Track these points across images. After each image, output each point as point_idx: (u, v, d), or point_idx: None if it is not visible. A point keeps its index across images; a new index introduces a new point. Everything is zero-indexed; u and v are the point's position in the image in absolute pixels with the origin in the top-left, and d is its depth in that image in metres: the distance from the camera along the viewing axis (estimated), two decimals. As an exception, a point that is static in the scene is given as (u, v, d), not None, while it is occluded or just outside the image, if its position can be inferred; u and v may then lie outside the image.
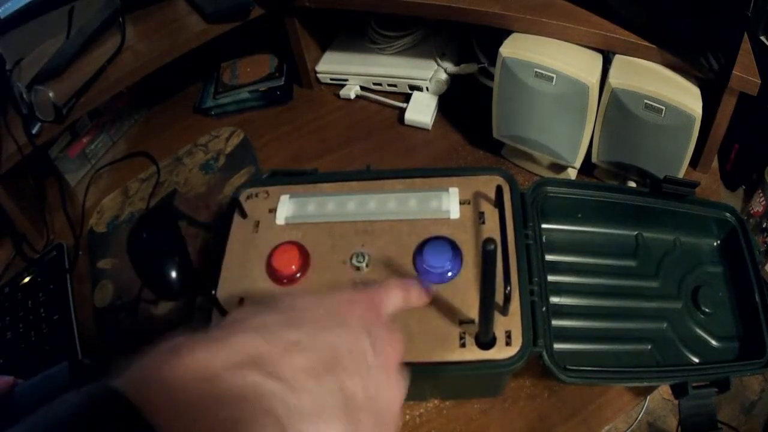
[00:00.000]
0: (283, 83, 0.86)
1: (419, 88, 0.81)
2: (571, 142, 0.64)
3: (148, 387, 0.24)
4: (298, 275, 0.49)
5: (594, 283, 0.57)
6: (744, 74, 0.56)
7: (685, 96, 0.57)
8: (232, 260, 0.51)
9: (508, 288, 0.43)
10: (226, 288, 0.49)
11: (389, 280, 0.41)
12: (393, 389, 0.33)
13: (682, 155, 0.60)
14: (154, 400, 0.24)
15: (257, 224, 0.53)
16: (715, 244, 0.59)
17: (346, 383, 0.29)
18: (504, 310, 0.45)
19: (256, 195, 0.56)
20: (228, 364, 0.27)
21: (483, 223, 0.50)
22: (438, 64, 0.80)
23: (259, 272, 0.50)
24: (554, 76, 0.59)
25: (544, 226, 0.57)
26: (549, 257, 0.56)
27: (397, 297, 0.38)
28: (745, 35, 0.57)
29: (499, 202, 0.51)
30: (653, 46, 0.59)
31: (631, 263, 0.58)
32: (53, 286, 0.68)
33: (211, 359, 0.26)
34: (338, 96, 0.86)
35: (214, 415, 0.24)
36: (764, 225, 0.97)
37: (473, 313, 0.45)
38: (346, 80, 0.86)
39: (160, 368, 0.25)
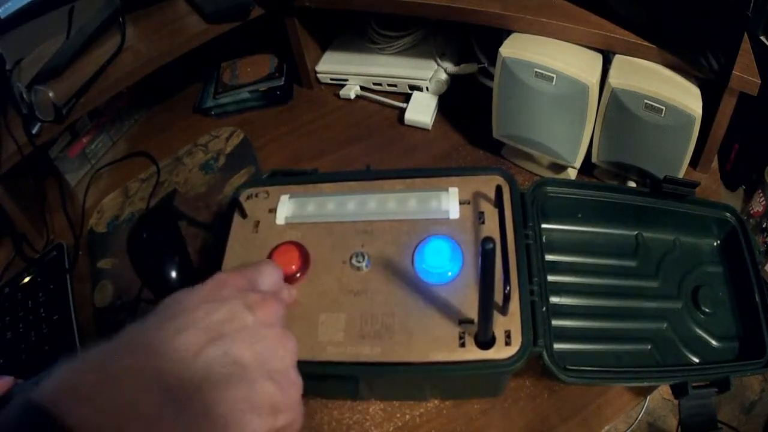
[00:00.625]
0: (283, 83, 0.86)
1: (419, 88, 0.81)
2: (571, 142, 0.64)
3: (55, 389, 0.27)
4: (298, 275, 0.49)
5: (594, 283, 0.57)
6: (744, 74, 0.56)
7: (685, 96, 0.57)
8: (232, 260, 0.51)
9: (508, 288, 0.43)
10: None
11: (263, 261, 0.44)
12: (280, 344, 0.35)
13: (682, 155, 0.60)
14: (57, 397, 0.26)
15: (257, 224, 0.53)
16: (715, 244, 0.59)
17: (231, 348, 0.32)
18: (503, 310, 0.45)
19: (256, 195, 0.56)
20: (113, 354, 0.30)
21: (483, 223, 0.50)
22: (438, 64, 0.80)
23: (259, 272, 0.50)
24: (554, 76, 0.59)
25: (544, 226, 0.57)
26: (549, 257, 0.56)
27: (270, 272, 0.41)
28: (745, 35, 0.57)
29: (498, 202, 0.51)
30: (653, 46, 0.59)
31: (631, 263, 0.58)
32: (53, 286, 0.68)
33: (101, 354, 0.30)
34: (338, 96, 0.86)
35: (103, 395, 0.27)
36: (764, 225, 0.97)
37: (473, 312, 0.45)
38: (346, 80, 0.86)
39: (66, 371, 0.28)
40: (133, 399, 0.28)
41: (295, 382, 0.36)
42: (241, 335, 0.33)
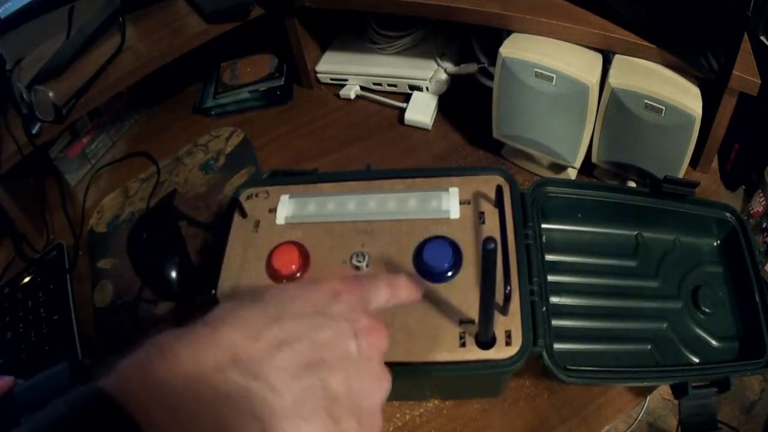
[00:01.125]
0: (283, 83, 0.86)
1: (419, 88, 0.81)
2: (571, 142, 0.64)
3: (134, 388, 0.25)
4: (298, 275, 0.49)
5: (594, 283, 0.57)
6: (744, 74, 0.56)
7: (685, 96, 0.57)
8: (232, 260, 0.51)
9: (508, 288, 0.43)
10: (226, 288, 0.49)
11: (378, 273, 0.41)
12: (376, 382, 0.33)
13: (682, 155, 0.60)
14: (139, 400, 0.24)
15: (257, 224, 0.53)
16: (715, 244, 0.59)
17: (328, 380, 0.30)
18: (504, 310, 0.45)
19: (256, 195, 0.56)
20: (211, 364, 0.27)
21: (483, 223, 0.50)
22: (438, 64, 0.80)
23: (259, 272, 0.50)
24: (554, 76, 0.59)
25: (544, 226, 0.57)
26: (549, 257, 0.56)
27: (382, 291, 0.38)
28: (745, 35, 0.57)
29: (499, 202, 0.51)
30: (653, 46, 0.59)
31: (631, 263, 0.58)
32: (53, 286, 0.68)
33: (193, 359, 0.27)
34: (338, 96, 0.86)
35: (195, 415, 0.25)
36: (764, 225, 0.97)
37: (473, 312, 0.45)
38: (346, 80, 0.86)
39: (145, 369, 0.26)
40: (227, 424, 0.26)
41: (378, 426, 0.33)
42: (341, 365, 0.31)
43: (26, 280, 0.70)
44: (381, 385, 0.33)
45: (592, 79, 0.58)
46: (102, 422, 0.23)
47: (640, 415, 1.20)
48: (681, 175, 0.62)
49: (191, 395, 0.26)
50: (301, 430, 0.28)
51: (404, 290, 0.40)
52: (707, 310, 0.55)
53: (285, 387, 0.28)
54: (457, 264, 0.48)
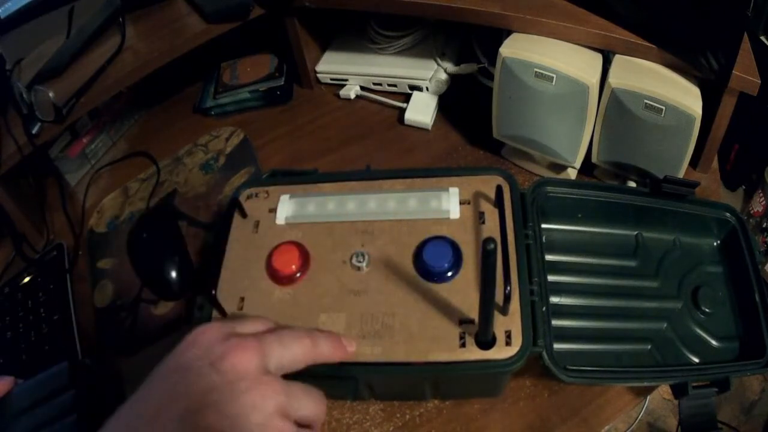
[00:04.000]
0: (283, 83, 0.86)
1: (419, 88, 0.81)
2: (571, 142, 0.64)
3: None
4: (298, 275, 0.49)
5: (594, 283, 0.57)
6: (744, 74, 0.56)
7: (685, 96, 0.57)
8: (232, 260, 0.51)
9: (508, 288, 0.43)
10: (226, 288, 0.49)
11: (295, 328, 0.39)
12: (257, 395, 0.32)
13: (682, 155, 0.60)
14: None
15: (257, 224, 0.53)
16: (715, 244, 0.59)
17: (199, 423, 0.30)
18: (504, 310, 0.45)
19: (256, 195, 0.56)
20: None
21: (483, 223, 0.50)
22: (438, 64, 0.80)
23: (259, 272, 0.50)
24: (554, 76, 0.59)
25: (544, 226, 0.57)
26: (549, 257, 0.56)
27: (254, 320, 0.37)
28: (745, 35, 0.57)
29: (499, 202, 0.51)
30: (653, 46, 0.59)
31: (631, 263, 0.58)
32: (53, 286, 0.68)
33: None
34: (338, 96, 0.86)
35: None
36: (764, 225, 0.97)
37: (473, 312, 0.45)
38: (346, 80, 0.86)
39: None
40: None
41: (280, 430, 0.32)
42: (210, 401, 0.30)
43: (26, 280, 0.70)
44: (264, 395, 0.32)
45: (592, 79, 0.58)
46: None
47: (640, 415, 1.20)
48: (681, 175, 0.62)
49: None
50: None
51: (326, 349, 0.39)
52: (707, 310, 0.55)
53: None
54: (457, 264, 0.48)
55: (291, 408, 0.33)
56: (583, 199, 0.57)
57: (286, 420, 0.32)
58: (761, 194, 0.97)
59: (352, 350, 0.42)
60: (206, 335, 0.34)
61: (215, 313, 0.47)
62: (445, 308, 0.46)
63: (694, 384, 0.48)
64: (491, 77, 0.66)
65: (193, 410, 0.30)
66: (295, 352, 0.37)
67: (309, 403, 0.35)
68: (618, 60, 0.61)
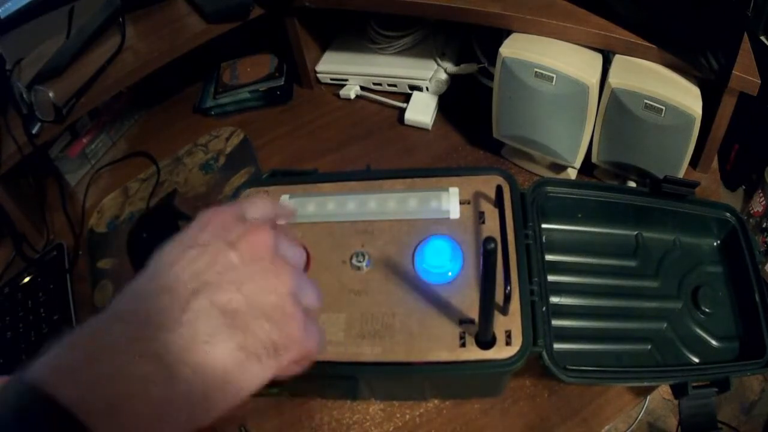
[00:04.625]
0: (283, 83, 0.86)
1: (419, 88, 0.81)
2: (571, 142, 0.64)
3: (47, 365, 0.26)
4: (298, 275, 0.49)
5: (594, 283, 0.57)
6: (744, 74, 0.56)
7: (685, 96, 0.57)
8: (232, 260, 0.51)
9: (508, 288, 0.43)
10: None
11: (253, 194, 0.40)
12: (272, 277, 0.32)
13: (682, 155, 0.60)
14: (48, 377, 0.26)
15: (257, 224, 0.53)
16: (715, 244, 0.59)
17: (216, 298, 0.30)
18: (504, 310, 0.45)
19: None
20: (99, 326, 0.29)
21: (483, 222, 0.50)
22: (438, 64, 0.80)
23: (259, 272, 0.50)
24: (554, 76, 0.59)
25: (544, 226, 0.57)
26: (549, 257, 0.56)
27: (260, 203, 0.38)
28: (745, 35, 0.57)
29: (499, 202, 0.51)
30: (653, 46, 0.59)
31: (631, 263, 0.58)
32: (53, 286, 0.68)
33: (86, 331, 0.28)
34: (338, 96, 0.86)
35: (93, 371, 0.26)
36: (764, 225, 0.97)
37: (473, 312, 0.45)
38: (346, 80, 0.86)
39: (58, 348, 0.28)
40: (123, 371, 0.27)
41: (291, 315, 0.32)
42: (227, 278, 0.31)
43: (26, 280, 0.70)
44: (279, 277, 0.32)
45: (592, 79, 0.58)
46: (29, 411, 0.25)
47: (640, 415, 1.20)
48: (681, 175, 0.62)
49: (85, 356, 0.27)
50: (209, 353, 0.29)
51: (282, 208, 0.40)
52: (707, 310, 0.55)
53: (175, 320, 0.29)
54: (457, 264, 0.48)
55: (300, 294, 0.34)
56: (583, 199, 0.57)
57: (297, 305, 0.33)
58: (761, 194, 0.97)
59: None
60: (219, 217, 0.35)
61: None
62: (445, 308, 0.46)
63: (694, 384, 0.48)
64: (491, 77, 0.66)
65: (212, 286, 0.31)
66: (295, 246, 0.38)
67: (312, 293, 0.35)
68: (618, 60, 0.61)
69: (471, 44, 0.79)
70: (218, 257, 0.32)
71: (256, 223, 0.34)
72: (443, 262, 0.47)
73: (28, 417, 0.24)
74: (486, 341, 0.44)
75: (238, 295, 0.31)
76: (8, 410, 0.25)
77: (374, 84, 0.84)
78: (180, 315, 0.29)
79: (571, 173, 0.70)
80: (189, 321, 0.29)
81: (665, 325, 0.54)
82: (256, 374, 0.30)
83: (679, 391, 0.49)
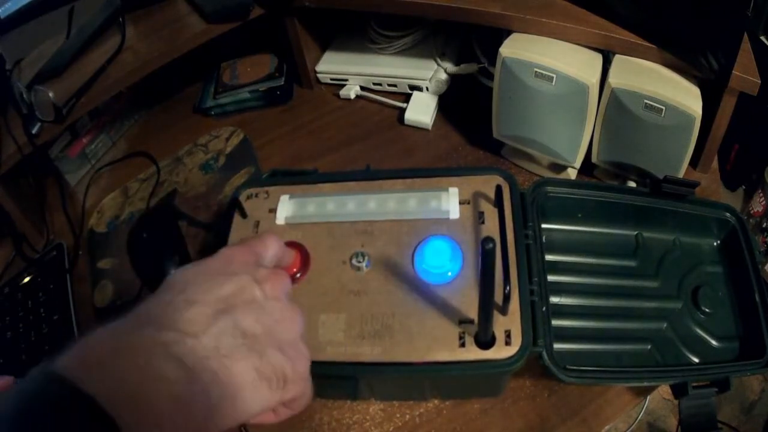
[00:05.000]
0: (283, 83, 0.86)
1: (419, 88, 0.81)
2: (571, 142, 0.64)
3: (73, 359, 0.28)
4: (298, 275, 0.49)
5: (594, 283, 0.57)
6: (744, 74, 0.56)
7: (685, 96, 0.57)
8: (232, 260, 0.51)
9: (508, 288, 0.43)
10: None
11: (264, 233, 0.44)
12: (288, 318, 0.36)
13: (682, 155, 0.60)
14: (74, 369, 0.27)
15: (257, 224, 0.53)
16: (715, 244, 0.59)
17: (241, 322, 0.33)
18: (503, 310, 0.45)
19: (256, 195, 0.56)
20: (127, 328, 0.30)
21: (483, 222, 0.50)
22: (438, 64, 0.80)
23: (259, 272, 0.50)
24: (554, 76, 0.59)
25: (544, 226, 0.57)
26: (549, 257, 0.56)
27: (274, 247, 0.41)
28: (745, 35, 0.57)
29: (498, 202, 0.51)
30: (653, 46, 0.59)
31: (631, 263, 0.58)
32: (53, 286, 0.68)
33: (115, 330, 0.30)
34: (338, 96, 0.86)
35: (118, 367, 0.28)
36: (764, 225, 0.97)
37: (473, 312, 0.45)
38: (346, 80, 0.86)
39: (82, 344, 0.29)
40: (147, 367, 0.28)
41: (303, 354, 0.36)
42: (250, 308, 0.34)
43: (26, 280, 0.70)
44: (293, 319, 0.36)
45: (592, 79, 0.58)
46: (56, 399, 0.26)
47: (640, 415, 1.20)
48: (681, 175, 0.62)
49: (111, 354, 0.28)
50: (228, 366, 0.31)
51: (287, 253, 0.44)
52: (707, 310, 0.55)
53: (201, 331, 0.31)
54: (456, 264, 0.48)
55: (304, 337, 0.37)
56: (583, 199, 0.57)
57: (306, 347, 0.37)
58: (761, 194, 0.97)
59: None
60: (243, 255, 0.38)
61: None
62: (444, 308, 0.46)
63: (694, 384, 0.48)
64: (491, 77, 0.66)
65: (237, 309, 0.33)
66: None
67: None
68: (618, 60, 0.61)
69: (471, 44, 0.78)
70: (245, 288, 0.35)
71: (279, 270, 0.39)
72: (443, 263, 0.47)
73: (55, 405, 0.25)
74: (486, 341, 0.44)
75: (258, 324, 0.34)
76: (35, 399, 0.26)
77: (374, 84, 0.84)
78: (206, 327, 0.31)
79: (571, 173, 0.70)
80: (213, 334, 0.31)
81: (665, 325, 0.54)
82: (263, 397, 0.32)
83: (679, 391, 0.49)
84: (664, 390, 1.13)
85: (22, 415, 0.25)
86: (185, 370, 0.29)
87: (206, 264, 0.36)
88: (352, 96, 0.85)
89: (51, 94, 0.68)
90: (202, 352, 0.30)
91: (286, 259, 0.46)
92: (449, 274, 0.48)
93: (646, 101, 0.57)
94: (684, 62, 0.58)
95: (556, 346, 0.48)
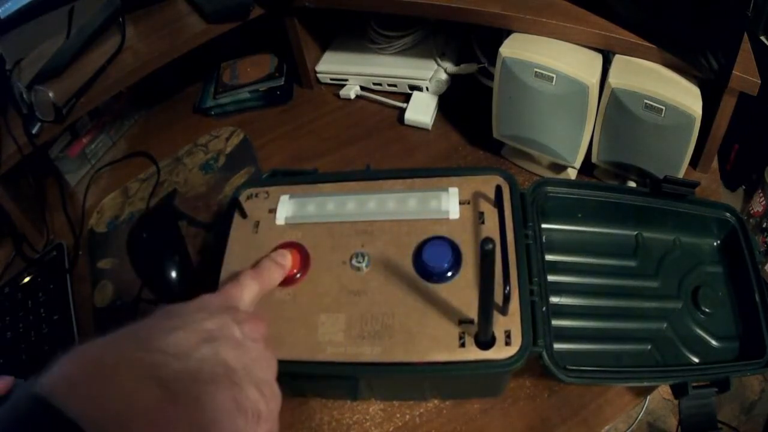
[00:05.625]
0: (283, 83, 0.86)
1: (419, 88, 0.81)
2: (571, 142, 0.64)
3: (57, 378, 0.28)
4: (298, 275, 0.49)
5: (594, 283, 0.57)
6: (744, 74, 0.56)
7: (685, 96, 0.57)
8: (232, 260, 0.51)
9: (508, 288, 0.43)
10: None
11: (241, 273, 0.45)
12: (265, 360, 0.37)
13: (682, 155, 0.60)
14: (58, 389, 0.27)
15: (257, 224, 0.53)
16: (715, 244, 0.59)
17: (221, 353, 0.34)
18: (503, 310, 0.45)
19: (256, 195, 0.56)
20: (113, 346, 0.31)
21: (483, 223, 0.50)
22: (438, 64, 0.80)
23: (259, 272, 0.50)
24: (554, 76, 0.59)
25: (544, 226, 0.57)
26: (549, 257, 0.56)
27: (251, 287, 0.43)
28: (745, 35, 0.57)
29: (498, 202, 0.51)
30: (653, 46, 0.59)
31: (631, 263, 0.58)
32: (53, 286, 0.68)
33: (101, 345, 0.31)
34: (338, 96, 0.86)
35: (102, 387, 0.28)
36: (764, 225, 0.97)
37: (473, 313, 0.45)
38: (346, 80, 0.86)
39: (62, 366, 0.29)
40: (130, 390, 0.28)
41: (277, 396, 0.37)
42: (230, 343, 0.35)
43: (26, 280, 0.70)
44: (270, 363, 0.38)
45: (592, 79, 0.58)
46: (35, 415, 0.26)
47: (640, 415, 1.20)
48: (681, 175, 0.62)
49: (96, 375, 0.29)
50: (209, 393, 0.31)
51: (267, 277, 0.46)
52: (707, 310, 0.55)
53: (185, 354, 0.32)
54: (456, 264, 0.48)
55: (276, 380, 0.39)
56: (583, 199, 0.57)
57: (279, 389, 0.37)
58: (761, 194, 0.97)
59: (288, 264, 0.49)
60: (221, 299, 0.40)
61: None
62: (444, 308, 0.46)
63: (694, 384, 0.48)
64: (491, 77, 0.66)
65: (219, 342, 0.34)
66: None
67: None
68: (618, 60, 0.61)
69: (471, 44, 0.78)
70: (225, 326, 0.36)
71: (257, 314, 0.40)
72: (443, 263, 0.47)
73: (36, 428, 0.26)
74: (485, 341, 0.44)
75: (237, 360, 0.35)
76: (17, 422, 0.26)
77: (374, 84, 0.84)
78: (191, 352, 0.32)
79: (571, 173, 0.70)
80: (198, 359, 0.32)
81: (665, 325, 0.54)
82: (237, 430, 0.33)
83: (679, 391, 0.49)
84: (664, 390, 1.13)
85: None
86: (168, 394, 0.29)
87: (186, 304, 0.38)
88: (352, 96, 0.85)
89: (51, 94, 0.68)
90: (186, 376, 0.31)
91: (285, 262, 0.48)
92: (449, 274, 0.48)
93: (646, 101, 0.57)
94: (684, 62, 0.58)
95: (556, 346, 0.48)
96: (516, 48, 0.61)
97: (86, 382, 0.28)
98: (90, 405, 0.27)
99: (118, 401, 0.28)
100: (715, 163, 0.69)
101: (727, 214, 0.57)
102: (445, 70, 0.80)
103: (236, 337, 0.36)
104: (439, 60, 0.81)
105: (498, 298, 0.42)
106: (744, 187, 1.05)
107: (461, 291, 0.47)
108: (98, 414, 0.27)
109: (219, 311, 0.37)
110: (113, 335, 0.32)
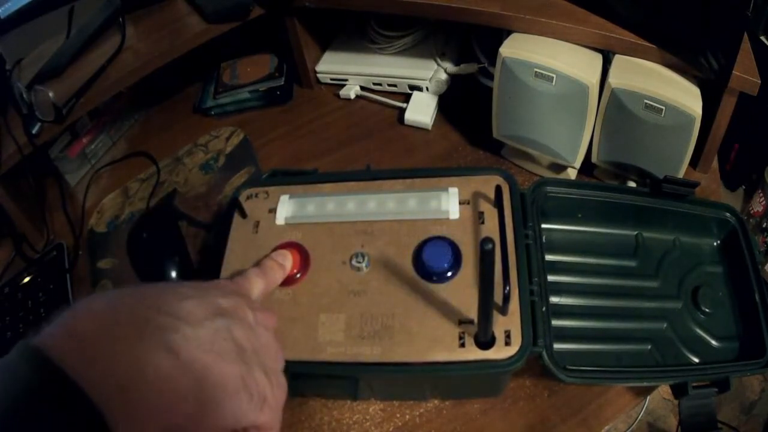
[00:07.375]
0: (283, 83, 0.86)
1: (419, 88, 0.81)
2: (571, 142, 0.64)
3: (56, 336, 0.26)
4: (298, 276, 0.49)
5: (594, 283, 0.57)
6: (744, 74, 0.56)
7: (685, 96, 0.57)
8: (232, 260, 0.51)
9: (508, 288, 0.43)
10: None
11: (248, 270, 0.45)
12: (273, 349, 0.37)
13: (682, 155, 0.60)
14: (61, 345, 0.26)
15: (257, 224, 0.53)
16: (715, 244, 0.59)
17: (234, 330, 0.33)
18: (503, 310, 0.45)
19: (256, 195, 0.56)
20: (123, 302, 0.29)
21: (483, 223, 0.50)
22: (438, 64, 0.80)
23: (258, 272, 0.50)
24: (554, 76, 0.59)
25: (544, 226, 0.57)
26: (549, 257, 0.56)
27: (258, 283, 0.43)
28: (745, 35, 0.57)
29: (498, 202, 0.51)
30: (653, 46, 0.59)
31: (631, 263, 0.58)
32: (53, 286, 0.68)
33: (110, 300, 0.29)
34: (338, 96, 0.86)
35: (112, 348, 0.26)
36: (764, 225, 0.97)
37: (472, 313, 0.45)
38: (346, 80, 0.86)
39: (66, 319, 0.27)
40: (141, 355, 0.27)
41: (283, 386, 0.36)
42: (243, 324, 0.34)
43: (26, 280, 0.70)
44: (279, 351, 0.38)
45: (592, 79, 0.58)
46: (31, 373, 0.24)
47: (640, 415, 1.20)
48: (681, 175, 0.62)
49: (105, 332, 0.27)
50: (218, 364, 0.30)
51: (271, 275, 0.46)
52: (707, 310, 0.55)
53: (197, 322, 0.31)
54: (456, 264, 0.48)
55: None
56: (583, 199, 0.57)
57: (285, 380, 0.37)
58: (761, 194, 0.97)
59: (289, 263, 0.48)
60: (230, 287, 0.39)
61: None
62: (444, 308, 0.46)
63: (694, 384, 0.48)
64: (491, 77, 0.66)
65: (232, 319, 0.33)
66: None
67: None
68: (618, 60, 0.61)
69: (471, 44, 0.78)
70: (238, 307, 0.35)
71: (264, 308, 0.40)
72: (443, 263, 0.47)
73: (36, 390, 0.24)
74: (485, 341, 0.44)
75: (249, 342, 0.34)
76: (11, 370, 0.24)
77: (374, 84, 0.84)
78: (203, 320, 0.31)
79: (571, 173, 0.70)
80: (210, 328, 0.31)
81: (665, 325, 0.54)
82: (241, 409, 0.31)
83: (679, 391, 0.49)
84: (664, 390, 1.13)
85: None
86: (180, 363, 0.28)
87: (198, 282, 0.37)
88: (352, 96, 0.85)
89: (51, 94, 0.68)
90: (196, 344, 0.29)
91: (286, 263, 0.48)
92: (449, 274, 0.48)
93: (646, 101, 0.57)
94: (684, 62, 0.58)
95: (556, 346, 0.48)
96: (516, 48, 0.61)
97: (94, 341, 0.26)
98: (96, 367, 0.25)
99: (127, 367, 0.26)
100: (715, 163, 0.69)
101: (727, 214, 0.57)
102: (445, 70, 0.80)
103: (249, 320, 0.35)
104: (439, 60, 0.81)
105: (498, 298, 0.42)
106: (744, 187, 1.05)
107: (461, 291, 0.47)
108: (103, 378, 0.25)
109: (233, 293, 0.37)
110: (120, 292, 0.30)
